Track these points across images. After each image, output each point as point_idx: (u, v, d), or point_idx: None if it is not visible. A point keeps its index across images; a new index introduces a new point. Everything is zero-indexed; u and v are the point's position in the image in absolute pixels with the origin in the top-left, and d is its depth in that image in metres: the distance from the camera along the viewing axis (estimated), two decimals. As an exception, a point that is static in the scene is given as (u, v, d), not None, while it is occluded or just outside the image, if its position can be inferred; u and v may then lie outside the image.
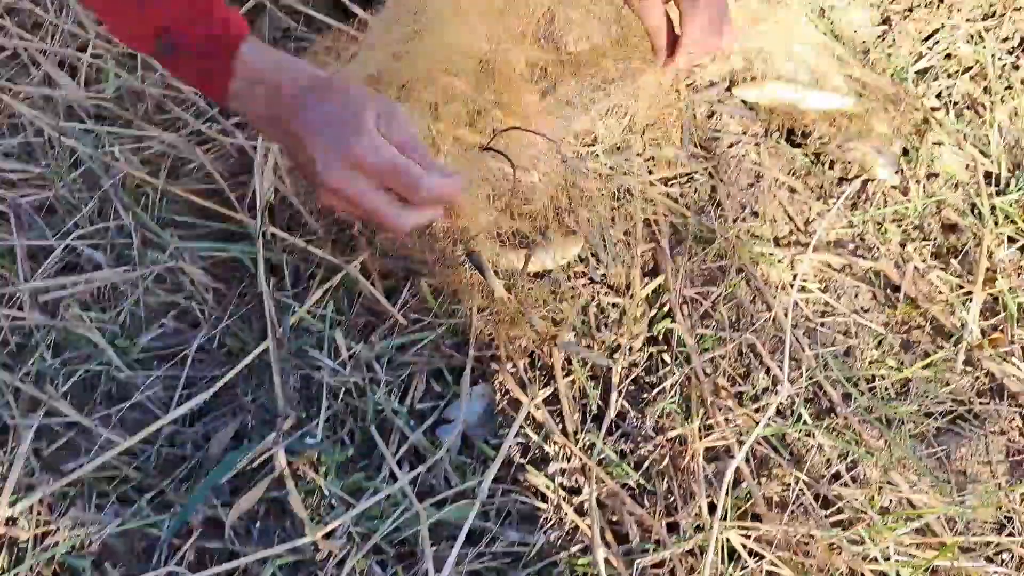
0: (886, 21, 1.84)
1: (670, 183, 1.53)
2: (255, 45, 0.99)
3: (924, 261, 1.50)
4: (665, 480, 1.26)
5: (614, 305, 1.40)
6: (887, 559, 1.20)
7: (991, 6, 1.86)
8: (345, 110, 0.94)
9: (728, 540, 1.20)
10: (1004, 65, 1.77)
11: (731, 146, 1.59)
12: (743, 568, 1.19)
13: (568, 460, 1.27)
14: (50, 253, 1.35)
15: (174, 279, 1.36)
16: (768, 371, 1.36)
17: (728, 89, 1.64)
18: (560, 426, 1.29)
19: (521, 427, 1.28)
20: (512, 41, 1.42)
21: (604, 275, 1.43)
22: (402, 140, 0.97)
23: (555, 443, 1.27)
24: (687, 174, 1.54)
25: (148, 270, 1.35)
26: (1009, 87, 1.73)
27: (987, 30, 1.81)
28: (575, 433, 1.29)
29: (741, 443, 1.26)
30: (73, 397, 1.26)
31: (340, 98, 0.95)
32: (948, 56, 1.78)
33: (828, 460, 1.29)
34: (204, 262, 1.38)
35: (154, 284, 1.35)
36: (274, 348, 1.27)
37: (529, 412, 1.29)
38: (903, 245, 1.52)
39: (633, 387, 1.35)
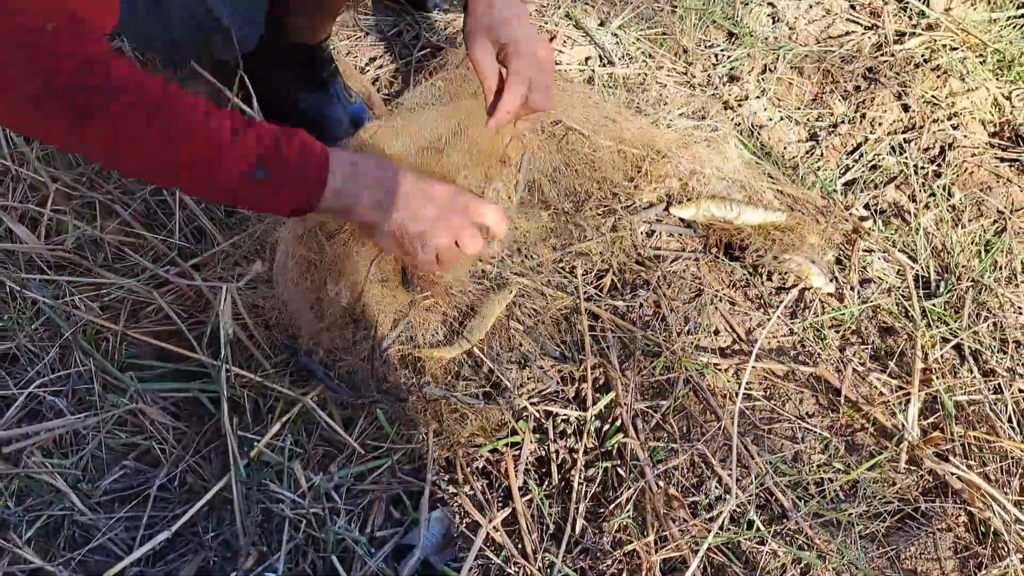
0: (813, 137, 2.00)
1: (615, 298, 1.63)
2: (335, 150, 1.20)
3: (863, 364, 1.61)
4: (624, 594, 1.32)
5: (566, 420, 1.48)
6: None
7: (910, 119, 2.03)
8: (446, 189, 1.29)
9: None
10: (927, 173, 1.92)
11: (672, 262, 1.70)
12: None
13: (529, 580, 1.32)
14: (12, 403, 1.41)
15: (135, 421, 1.43)
16: (720, 480, 1.44)
17: (666, 209, 1.76)
18: (519, 546, 1.35)
19: (481, 549, 1.33)
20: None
21: (558, 392, 1.52)
22: None
23: (515, 564, 1.33)
24: (631, 291, 1.64)
25: (109, 414, 1.41)
26: (932, 194, 1.88)
27: (907, 141, 1.98)
28: (534, 552, 1.34)
29: (696, 553, 1.32)
30: (36, 543, 1.30)
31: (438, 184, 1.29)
32: (874, 167, 1.93)
33: (782, 565, 1.36)
34: (164, 402, 1.44)
35: (115, 427, 1.42)
36: (236, 484, 1.32)
37: (488, 534, 1.35)
38: (842, 350, 1.62)
39: (591, 503, 1.41)
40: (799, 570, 1.35)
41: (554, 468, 1.44)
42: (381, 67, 2.05)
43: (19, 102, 0.96)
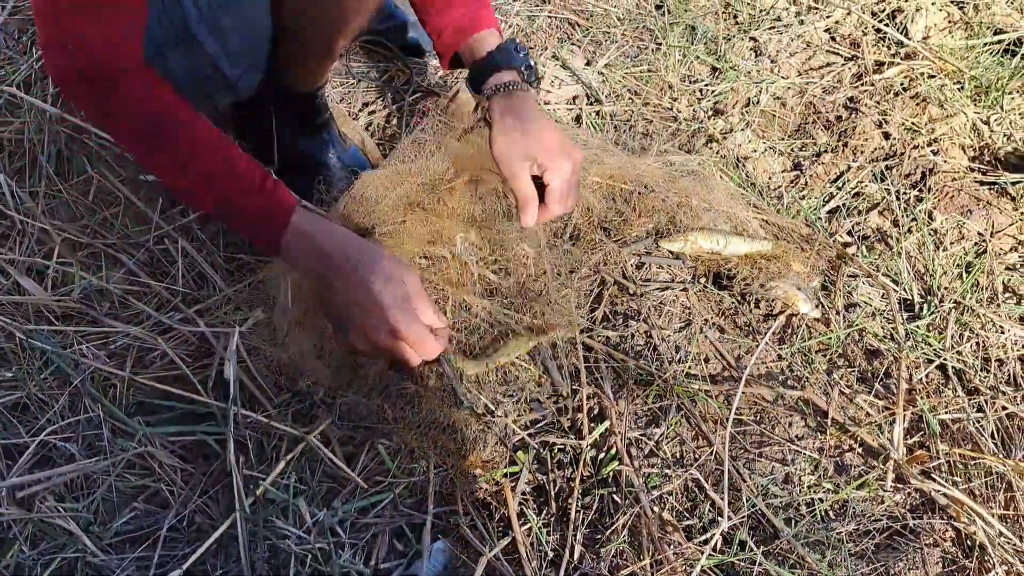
0: (797, 167, 2.09)
1: (607, 329, 1.71)
2: (304, 212, 1.38)
3: (850, 387, 1.68)
4: (623, 618, 1.39)
5: (562, 449, 1.55)
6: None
7: (891, 146, 2.11)
8: (392, 291, 1.37)
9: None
10: (908, 199, 2.01)
11: (662, 292, 1.78)
12: None
13: (529, 606, 1.39)
14: (24, 450, 1.49)
15: (143, 464, 1.50)
16: (713, 503, 1.50)
17: (655, 242, 1.84)
18: (520, 574, 1.42)
19: (482, 578, 1.40)
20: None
21: (555, 422, 1.59)
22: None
23: (516, 591, 1.40)
24: (623, 321, 1.72)
25: (118, 458, 1.48)
26: (914, 219, 1.96)
27: (889, 168, 2.06)
28: (534, 579, 1.41)
29: (690, 575, 1.39)
30: (51, 586, 1.37)
31: (385, 279, 1.37)
32: (857, 195, 2.02)
33: (775, 584, 1.42)
34: (172, 445, 1.52)
35: (124, 470, 1.49)
36: (241, 523, 1.39)
37: (489, 562, 1.41)
38: (829, 373, 1.70)
39: (588, 530, 1.48)
40: (791, 588, 1.42)
41: (552, 497, 1.51)
42: (374, 112, 2.14)
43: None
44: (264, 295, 1.62)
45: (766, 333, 1.72)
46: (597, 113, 2.16)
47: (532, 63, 1.55)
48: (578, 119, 2.14)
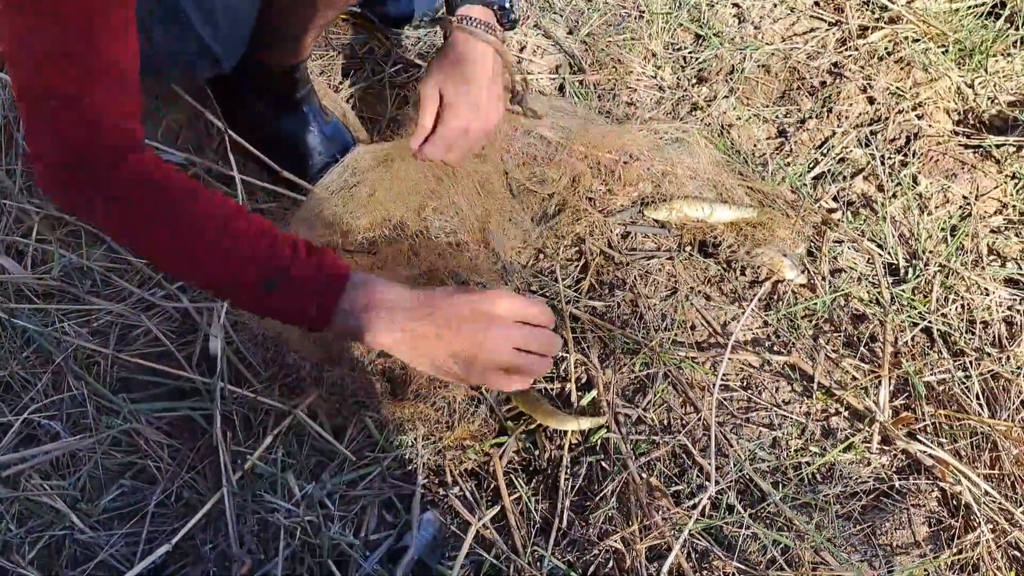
0: (782, 133, 2.10)
1: (594, 299, 1.73)
2: (358, 273, 1.21)
3: (836, 351, 1.70)
4: (612, 583, 1.41)
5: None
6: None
7: (876, 111, 2.13)
8: (505, 306, 1.24)
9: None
10: (893, 164, 2.03)
11: (648, 261, 1.80)
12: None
13: (520, 574, 1.41)
14: (9, 429, 1.50)
15: (129, 440, 1.51)
16: (701, 469, 1.53)
17: (640, 211, 1.86)
18: (509, 543, 1.44)
19: (472, 547, 1.42)
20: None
21: (541, 390, 1.61)
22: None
23: (506, 560, 1.42)
24: (609, 291, 1.74)
25: (104, 435, 1.49)
26: (899, 184, 1.98)
27: (874, 133, 2.08)
28: (524, 547, 1.43)
29: (678, 539, 1.41)
30: (39, 563, 1.38)
31: (485, 301, 1.23)
32: (841, 160, 2.04)
33: (763, 547, 1.45)
34: (157, 421, 1.53)
35: (110, 447, 1.50)
36: (229, 497, 1.41)
37: (478, 532, 1.44)
38: (815, 338, 1.72)
39: (576, 497, 1.51)
40: (779, 549, 1.44)
41: (540, 465, 1.53)
42: (355, 85, 2.14)
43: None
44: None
45: (752, 300, 1.74)
46: (580, 82, 2.17)
47: (508, 4, 1.49)
48: (561, 88, 2.15)
